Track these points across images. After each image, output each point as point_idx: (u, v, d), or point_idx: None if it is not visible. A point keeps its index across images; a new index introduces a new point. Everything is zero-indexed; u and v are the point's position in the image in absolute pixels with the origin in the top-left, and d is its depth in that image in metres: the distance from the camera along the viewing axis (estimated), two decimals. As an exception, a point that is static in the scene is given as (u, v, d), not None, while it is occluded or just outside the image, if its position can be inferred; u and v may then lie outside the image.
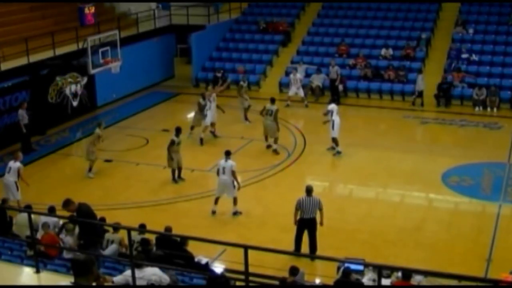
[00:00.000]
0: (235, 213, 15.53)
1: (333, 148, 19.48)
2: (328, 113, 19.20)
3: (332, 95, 24.74)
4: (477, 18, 27.84)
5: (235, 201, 15.46)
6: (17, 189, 15.29)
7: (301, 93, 24.50)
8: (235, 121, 23.16)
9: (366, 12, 29.43)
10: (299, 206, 13.45)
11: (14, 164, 15.46)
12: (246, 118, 22.46)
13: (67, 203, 12.03)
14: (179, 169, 17.62)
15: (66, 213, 12.62)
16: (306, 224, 13.44)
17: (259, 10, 31.14)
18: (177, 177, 17.64)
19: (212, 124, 20.70)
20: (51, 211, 12.98)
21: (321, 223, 13.56)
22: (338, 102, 23.54)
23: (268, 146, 19.70)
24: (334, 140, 19.25)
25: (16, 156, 15.79)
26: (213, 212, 15.54)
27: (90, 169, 17.95)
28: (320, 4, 30.61)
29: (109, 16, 27.04)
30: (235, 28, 30.41)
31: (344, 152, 19.94)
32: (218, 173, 15.40)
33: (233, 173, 15.28)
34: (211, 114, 20.36)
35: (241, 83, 23.04)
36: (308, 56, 27.57)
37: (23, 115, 19.52)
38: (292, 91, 24.55)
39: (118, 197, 16.86)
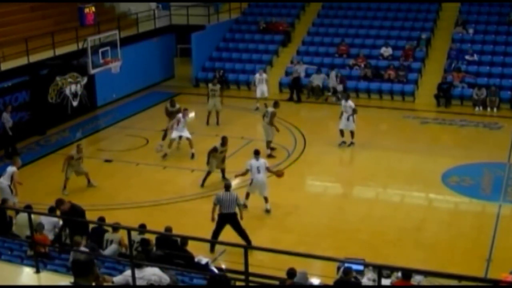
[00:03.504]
0: (268, 211, 15.58)
1: (344, 142, 19.88)
2: (353, 110, 19.54)
3: (291, 93, 25.25)
4: (477, 18, 27.84)
5: (267, 199, 15.59)
6: (11, 192, 15.12)
7: (266, 93, 24.32)
8: (235, 121, 23.17)
9: (366, 12, 29.43)
10: (217, 202, 13.63)
11: (10, 169, 15.36)
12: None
13: (60, 203, 12.05)
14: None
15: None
16: (227, 219, 13.59)
17: (259, 10, 31.14)
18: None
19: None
20: (51, 211, 12.97)
21: (241, 217, 13.79)
22: (298, 101, 24.62)
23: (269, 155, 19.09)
24: (352, 133, 19.71)
25: (14, 161, 15.72)
26: (245, 206, 15.40)
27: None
28: (320, 4, 30.61)
29: (109, 16, 27.05)
30: (235, 28, 30.41)
31: (344, 152, 20.02)
32: (250, 172, 15.55)
33: (268, 170, 15.75)
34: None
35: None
36: (308, 56, 27.57)
37: (7, 119, 19.45)
38: (258, 93, 24.27)
39: (118, 197, 16.85)
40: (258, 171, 15.45)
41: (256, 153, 15.81)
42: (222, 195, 13.69)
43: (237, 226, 13.66)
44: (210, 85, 22.66)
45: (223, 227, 13.63)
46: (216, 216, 13.72)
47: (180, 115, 19.14)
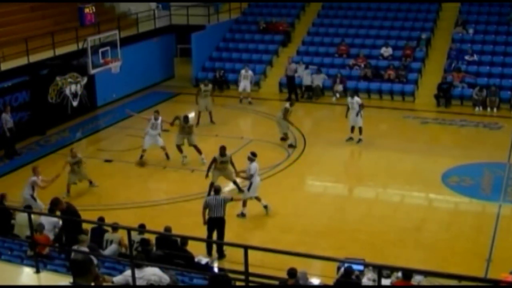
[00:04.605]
0: (267, 207, 15.56)
1: (351, 138, 20.19)
2: (360, 106, 19.90)
3: (289, 93, 25.32)
4: (477, 18, 27.83)
5: (259, 199, 15.58)
6: (35, 201, 15.06)
7: (248, 88, 24.97)
8: (235, 121, 23.18)
9: (366, 12, 29.43)
10: (206, 205, 13.55)
11: (29, 179, 15.22)
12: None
13: (56, 203, 12.05)
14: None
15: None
16: (215, 222, 13.52)
17: (259, 10, 31.14)
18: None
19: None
20: (51, 211, 12.96)
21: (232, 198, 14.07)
22: (296, 100, 24.31)
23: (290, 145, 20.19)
24: (361, 129, 20.07)
25: (34, 171, 15.43)
26: (243, 215, 15.38)
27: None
28: (320, 4, 30.60)
29: (109, 16, 27.05)
30: (235, 28, 30.41)
31: (344, 152, 20.03)
32: (254, 176, 15.29)
33: None
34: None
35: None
36: (308, 56, 27.56)
37: (6, 119, 19.42)
38: (241, 87, 25.02)
39: (118, 197, 16.86)
40: (258, 174, 15.42)
41: (255, 155, 15.56)
42: (210, 199, 13.61)
43: (221, 232, 13.58)
44: (202, 86, 22.67)
45: (214, 231, 13.60)
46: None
47: (152, 116, 18.93)
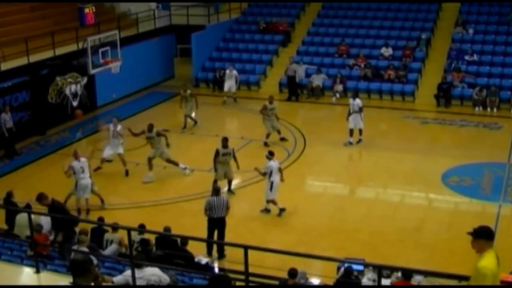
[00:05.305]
0: (269, 210, 15.65)
1: (350, 143, 20.06)
2: (360, 108, 19.90)
3: (289, 92, 25.41)
4: (477, 18, 27.84)
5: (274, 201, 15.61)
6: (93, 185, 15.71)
7: (234, 88, 25.12)
8: (234, 121, 23.16)
9: (366, 12, 29.43)
10: (208, 207, 13.46)
11: (84, 162, 15.39)
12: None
13: (41, 197, 12.08)
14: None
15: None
16: (216, 223, 13.50)
17: (259, 10, 31.14)
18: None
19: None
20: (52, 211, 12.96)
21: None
22: (296, 100, 24.55)
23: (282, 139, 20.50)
24: (361, 130, 20.03)
25: (76, 156, 15.38)
26: (267, 210, 15.50)
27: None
28: (320, 4, 30.61)
29: (109, 16, 27.07)
30: (235, 28, 30.42)
31: (344, 152, 20.03)
32: (271, 175, 15.19)
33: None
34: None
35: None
36: (308, 56, 27.56)
37: (6, 119, 19.42)
38: (226, 87, 25.13)
39: (118, 197, 16.86)
40: (277, 172, 15.37)
41: (272, 154, 15.55)
42: (212, 200, 13.51)
43: (222, 231, 13.58)
44: (181, 91, 22.47)
45: (214, 231, 13.58)
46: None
47: (110, 124, 18.19)
